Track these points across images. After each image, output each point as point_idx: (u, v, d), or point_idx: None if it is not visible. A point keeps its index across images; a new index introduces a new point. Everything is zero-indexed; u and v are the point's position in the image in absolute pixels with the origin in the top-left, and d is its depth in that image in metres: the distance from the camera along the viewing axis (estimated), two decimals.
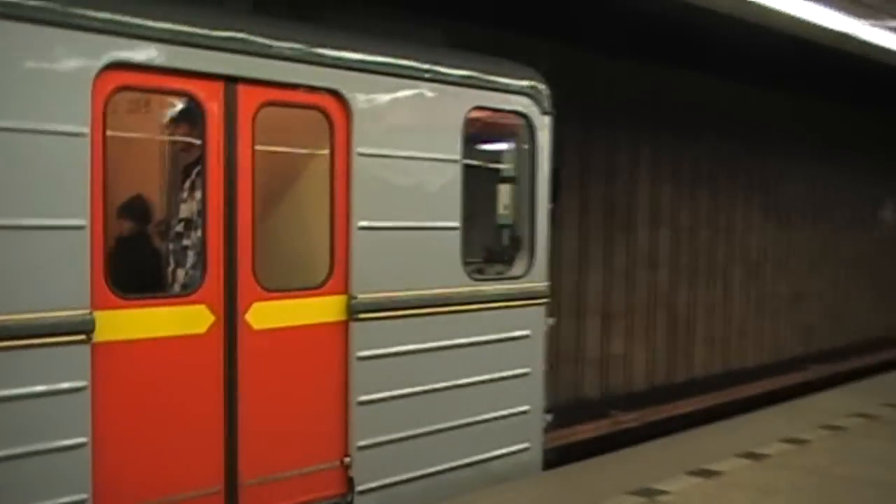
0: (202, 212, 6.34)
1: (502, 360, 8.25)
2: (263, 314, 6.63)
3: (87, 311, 5.67)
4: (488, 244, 8.97)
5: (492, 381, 8.13)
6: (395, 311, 7.33)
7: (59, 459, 5.61)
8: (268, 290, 6.71)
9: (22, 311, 5.44)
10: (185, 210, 6.79)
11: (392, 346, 7.33)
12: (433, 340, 7.61)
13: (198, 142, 6.39)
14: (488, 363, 8.11)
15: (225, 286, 6.41)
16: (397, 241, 7.37)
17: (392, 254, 7.34)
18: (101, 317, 5.77)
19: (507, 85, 8.26)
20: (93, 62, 5.68)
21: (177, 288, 6.70)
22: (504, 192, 8.81)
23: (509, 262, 8.70)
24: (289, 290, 6.88)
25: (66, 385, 5.63)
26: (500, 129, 8.77)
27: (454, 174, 7.77)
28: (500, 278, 8.49)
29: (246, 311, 6.54)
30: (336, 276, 7.05)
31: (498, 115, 8.41)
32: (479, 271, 8.70)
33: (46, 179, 5.53)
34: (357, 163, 7.06)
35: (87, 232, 5.68)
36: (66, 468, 5.64)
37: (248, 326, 6.55)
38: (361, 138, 7.08)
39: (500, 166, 8.88)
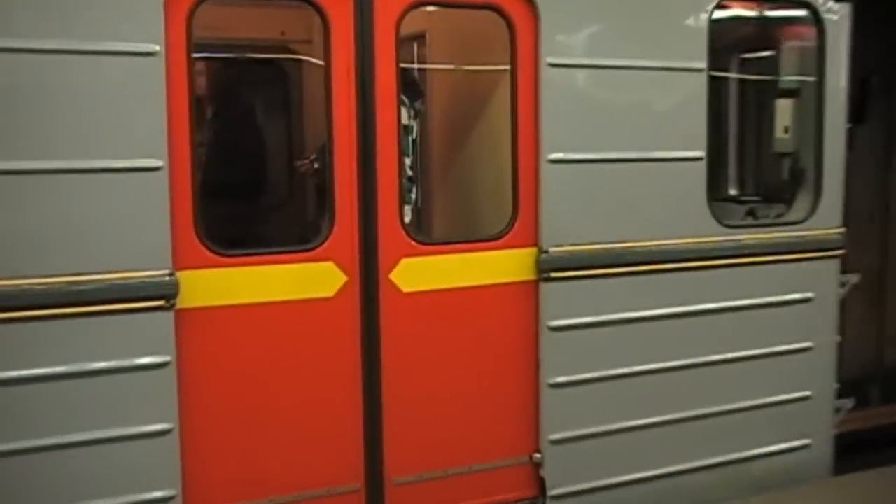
0: (328, 144, 5.06)
1: (768, 332, 6.24)
2: (416, 273, 5.28)
3: (167, 272, 4.64)
4: (762, 177, 6.90)
5: (749, 358, 6.17)
6: (602, 269, 5.64)
7: (139, 448, 4.69)
8: (422, 242, 5.33)
9: (84, 271, 4.51)
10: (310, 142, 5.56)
11: (598, 313, 5.68)
12: (658, 307, 5.82)
13: (316, 60, 5.09)
14: (745, 336, 6.16)
15: (361, 237, 5.12)
16: (606, 178, 5.64)
17: (598, 194, 5.63)
18: (189, 278, 4.73)
19: None
20: None
21: (294, 241, 5.49)
22: (783, 109, 6.66)
23: (789, 200, 6.59)
24: (453, 243, 5.46)
25: (142, 361, 4.67)
26: (775, 24, 6.60)
27: (695, 88, 5.83)
28: (765, 224, 6.43)
29: (391, 269, 5.22)
30: (520, 224, 5.50)
31: (766, 4, 6.27)
32: (751, 213, 6.71)
33: (108, 108, 4.52)
34: (547, 76, 5.40)
35: (165, 175, 4.62)
36: (149, 458, 4.71)
37: (395, 288, 5.23)
38: (552, 44, 5.40)
39: (777, 77, 6.71)
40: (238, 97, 6.30)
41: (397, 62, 5.13)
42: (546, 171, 5.45)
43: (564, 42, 5.44)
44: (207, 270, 4.82)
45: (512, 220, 5.49)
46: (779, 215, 6.60)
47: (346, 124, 5.03)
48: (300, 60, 5.65)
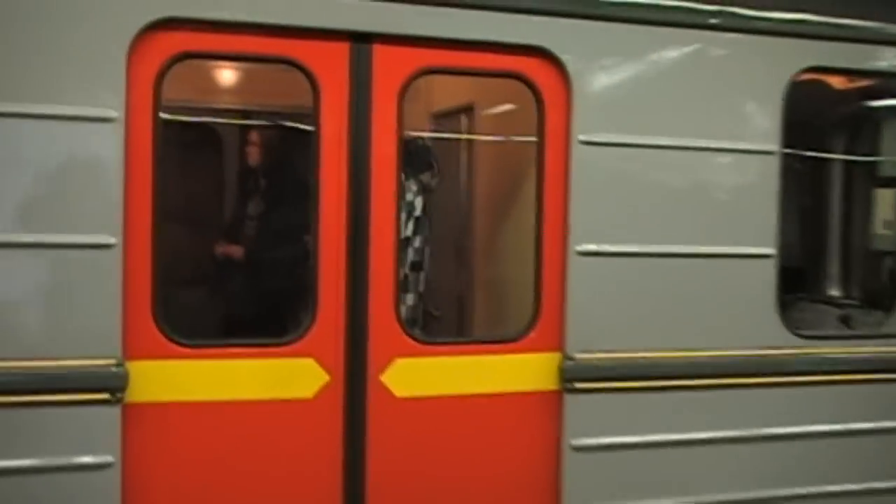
0: (312, 220, 4.48)
1: (852, 466, 5.22)
2: (413, 375, 4.59)
3: (114, 361, 4.12)
4: (859, 278, 5.91)
5: (823, 497, 5.16)
6: (639, 381, 4.81)
7: None
8: (422, 340, 4.66)
9: (16, 356, 4.04)
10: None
11: (634, 433, 4.83)
12: (707, 429, 4.92)
13: (307, 127, 4.54)
14: (822, 469, 5.16)
15: (347, 332, 4.48)
16: (647, 275, 4.83)
17: (637, 293, 4.82)
18: (142, 368, 4.20)
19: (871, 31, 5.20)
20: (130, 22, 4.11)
21: (271, 332, 4.89)
22: (884, 200, 5.70)
23: (888, 307, 5.58)
24: (460, 342, 4.77)
25: (82, 460, 4.14)
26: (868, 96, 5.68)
27: (764, 172, 4.98)
28: (850, 335, 5.44)
29: (383, 369, 4.55)
30: (543, 324, 4.75)
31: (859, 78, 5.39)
32: (844, 320, 5.74)
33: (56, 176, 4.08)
34: (579, 155, 4.69)
35: (118, 253, 4.12)
36: None
37: (386, 391, 4.55)
38: (587, 119, 4.70)
39: (875, 158, 5.75)
40: (214, 165, 5.90)
41: (400, 132, 4.53)
42: (575, 264, 4.71)
43: (601, 116, 4.72)
44: (165, 361, 4.27)
45: (533, 318, 4.75)
46: (876, 324, 5.61)
47: (334, 198, 4.44)
48: (292, 128, 5.15)
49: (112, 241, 4.11)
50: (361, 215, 4.47)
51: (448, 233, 5.89)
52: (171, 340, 4.27)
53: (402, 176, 4.62)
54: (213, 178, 6.12)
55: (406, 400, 4.58)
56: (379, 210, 4.49)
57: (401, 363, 4.56)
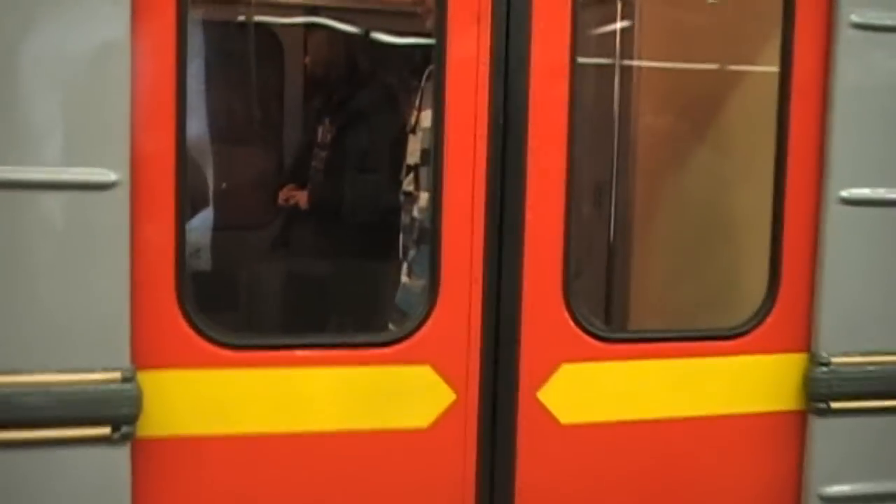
0: (433, 149, 2.83)
1: None
2: (586, 390, 2.92)
3: (119, 375, 2.50)
4: None
5: None
6: None
7: None
8: (603, 337, 2.97)
9: None
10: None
11: None
12: None
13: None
14: None
15: (482, 325, 2.82)
16: None
17: None
18: (164, 383, 2.58)
19: None
20: None
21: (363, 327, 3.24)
22: None
23: None
24: (656, 339, 3.08)
25: None
26: None
27: None
28: None
29: (542, 382, 2.88)
30: (780, 311, 3.05)
31: None
32: None
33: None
34: (848, 42, 2.95)
35: (124, 195, 2.49)
36: None
37: (546, 416, 2.89)
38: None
39: None
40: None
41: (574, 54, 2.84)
42: (834, 216, 3.00)
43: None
44: (198, 371, 2.64)
45: (767, 304, 3.05)
46: None
47: (469, 113, 2.77)
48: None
49: (112, 177, 2.46)
50: (515, 144, 2.81)
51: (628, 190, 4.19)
52: (208, 339, 2.64)
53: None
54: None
55: (575, 428, 2.92)
56: (536, 169, 2.83)
57: (569, 371, 2.89)
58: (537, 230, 2.84)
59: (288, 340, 2.86)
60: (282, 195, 4.19)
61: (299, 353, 2.78)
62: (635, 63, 4.12)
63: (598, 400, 2.93)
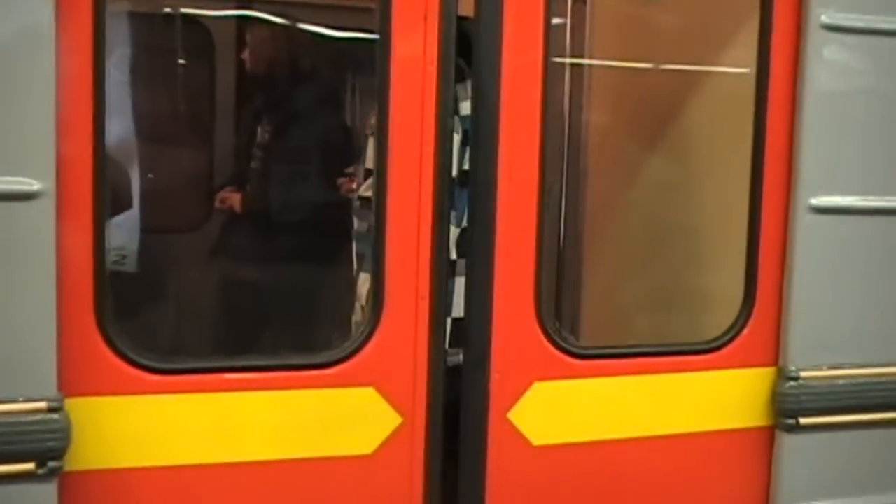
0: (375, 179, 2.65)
1: None
2: (559, 409, 2.76)
3: (45, 405, 2.23)
4: None
5: None
6: None
7: None
8: (574, 353, 2.81)
9: None
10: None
11: None
12: None
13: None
14: None
15: (430, 344, 2.64)
16: None
17: None
18: (90, 411, 2.31)
19: None
20: None
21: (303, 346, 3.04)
22: None
23: None
24: (626, 355, 2.94)
25: None
26: None
27: None
28: None
29: (513, 401, 2.70)
30: (756, 324, 2.94)
31: None
32: None
33: None
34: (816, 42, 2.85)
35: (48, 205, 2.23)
36: None
37: (517, 437, 2.72)
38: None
39: None
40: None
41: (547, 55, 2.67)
42: (804, 225, 2.91)
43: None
44: (123, 398, 2.39)
45: (742, 317, 2.94)
46: None
47: (415, 116, 2.58)
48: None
49: (36, 186, 2.20)
50: (486, 144, 2.62)
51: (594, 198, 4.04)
52: (131, 363, 2.39)
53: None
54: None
55: (548, 450, 2.76)
56: (507, 177, 2.66)
57: (542, 390, 2.73)
58: (508, 241, 2.67)
59: (218, 363, 2.62)
60: (218, 198, 3.90)
61: (231, 376, 2.53)
62: (596, 62, 3.99)
63: (571, 419, 2.76)
